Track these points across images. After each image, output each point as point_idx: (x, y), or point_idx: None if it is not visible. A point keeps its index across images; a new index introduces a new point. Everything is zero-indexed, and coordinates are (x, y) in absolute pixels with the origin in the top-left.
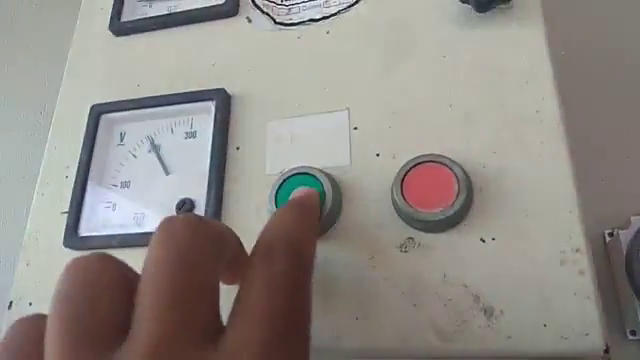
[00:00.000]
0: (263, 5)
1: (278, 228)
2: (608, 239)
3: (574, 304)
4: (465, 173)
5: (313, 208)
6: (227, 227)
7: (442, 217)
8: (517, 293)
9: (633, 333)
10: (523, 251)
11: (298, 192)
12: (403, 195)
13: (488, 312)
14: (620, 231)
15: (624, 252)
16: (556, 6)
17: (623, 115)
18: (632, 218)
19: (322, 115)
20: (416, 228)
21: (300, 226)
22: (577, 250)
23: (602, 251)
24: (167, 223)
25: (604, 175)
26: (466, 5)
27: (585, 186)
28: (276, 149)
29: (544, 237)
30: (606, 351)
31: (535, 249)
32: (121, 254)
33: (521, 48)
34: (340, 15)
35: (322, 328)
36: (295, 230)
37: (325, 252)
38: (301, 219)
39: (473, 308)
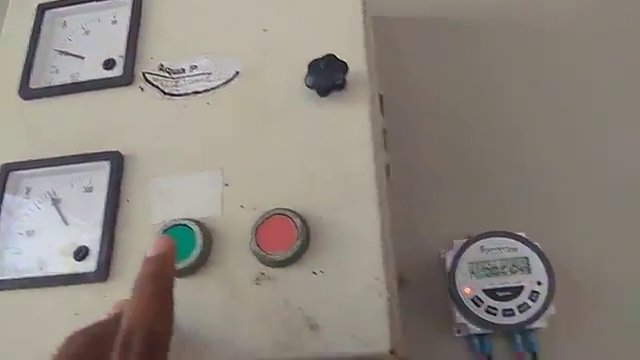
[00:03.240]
0: (153, 79)
1: (134, 314)
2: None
3: (373, 319)
4: (304, 223)
5: (166, 270)
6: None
7: (283, 258)
8: (335, 312)
9: (458, 332)
10: (342, 280)
11: (154, 248)
12: (256, 241)
13: (314, 328)
14: (443, 250)
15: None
16: None
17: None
18: (454, 241)
19: (200, 173)
20: (267, 265)
21: (154, 305)
22: (377, 278)
23: (439, 269)
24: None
25: (442, 203)
26: (310, 89)
27: (424, 212)
28: (160, 202)
29: (357, 269)
30: (391, 352)
31: (350, 278)
32: (26, 294)
33: (351, 124)
34: (219, 89)
35: (191, 350)
36: (150, 312)
37: (196, 287)
38: (155, 296)
39: (304, 325)
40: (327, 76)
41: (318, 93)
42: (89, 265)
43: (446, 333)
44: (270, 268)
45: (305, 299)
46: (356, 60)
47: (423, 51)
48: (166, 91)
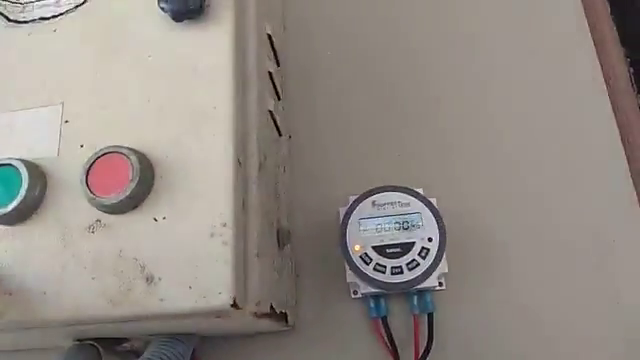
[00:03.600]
0: None
1: None
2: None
3: (215, 269)
4: (143, 162)
5: None
6: None
7: (115, 201)
8: (174, 262)
9: (355, 292)
10: (185, 227)
11: None
12: (87, 183)
13: (149, 279)
14: (340, 208)
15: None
16: None
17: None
18: (350, 197)
19: (39, 109)
20: (103, 211)
21: None
22: (224, 225)
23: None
24: None
25: (343, 159)
26: (165, 13)
27: (325, 168)
28: None
29: (202, 215)
30: (233, 305)
31: (194, 225)
32: None
33: (207, 52)
34: (68, 14)
35: (17, 305)
36: None
37: (25, 234)
38: None
39: (138, 277)
40: None
41: (172, 18)
42: None
43: (344, 295)
44: (107, 214)
45: (143, 249)
46: None
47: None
48: (11, 18)
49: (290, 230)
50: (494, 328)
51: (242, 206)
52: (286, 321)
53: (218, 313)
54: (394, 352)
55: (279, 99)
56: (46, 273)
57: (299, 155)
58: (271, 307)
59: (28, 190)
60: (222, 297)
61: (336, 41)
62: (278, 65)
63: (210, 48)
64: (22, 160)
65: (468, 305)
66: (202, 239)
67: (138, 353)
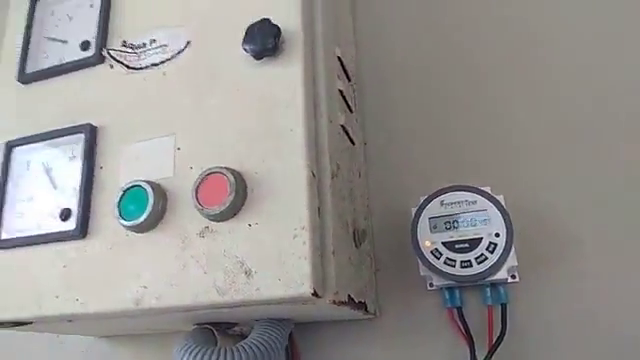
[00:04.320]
0: (118, 55)
1: None
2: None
3: (298, 264)
4: (237, 178)
5: None
6: None
7: (218, 211)
8: (266, 259)
9: (431, 285)
10: (272, 230)
11: None
12: (197, 197)
13: (248, 273)
14: (412, 208)
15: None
16: None
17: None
18: (421, 197)
19: (157, 139)
20: (210, 220)
21: None
22: (303, 228)
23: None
24: None
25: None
26: (247, 53)
27: (399, 171)
28: (126, 167)
29: (285, 220)
30: (314, 294)
31: (279, 228)
32: (25, 250)
33: (283, 84)
34: (173, 59)
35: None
36: None
37: (154, 240)
38: None
39: (239, 271)
40: (260, 40)
41: (253, 57)
42: (71, 224)
43: (421, 287)
44: (213, 222)
45: (242, 249)
46: (292, 23)
47: (399, 12)
48: (130, 66)
49: (366, 229)
50: (566, 319)
51: (317, 211)
52: (366, 309)
53: (302, 300)
54: (469, 340)
55: (351, 112)
56: (172, 270)
57: (374, 160)
58: (349, 297)
59: (154, 205)
60: (304, 287)
61: (405, 52)
62: (349, 80)
63: (286, 80)
64: (147, 181)
65: (541, 297)
66: (286, 240)
67: (245, 336)
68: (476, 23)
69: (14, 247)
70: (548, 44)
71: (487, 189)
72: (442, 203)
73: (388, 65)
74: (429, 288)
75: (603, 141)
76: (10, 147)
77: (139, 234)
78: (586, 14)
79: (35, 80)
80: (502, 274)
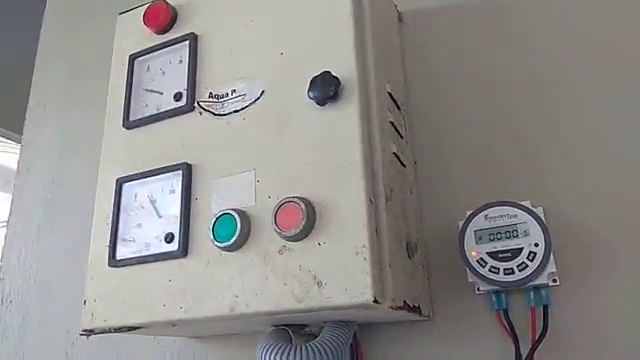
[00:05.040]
0: (206, 105)
1: None
2: None
3: (360, 276)
4: (307, 206)
5: None
6: None
7: (293, 234)
8: (334, 272)
9: (479, 290)
10: (338, 248)
11: None
12: (276, 222)
13: (319, 284)
14: (459, 222)
15: None
16: None
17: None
18: (466, 212)
19: (240, 174)
20: (286, 240)
21: None
22: (364, 246)
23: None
24: None
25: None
26: (312, 100)
27: (450, 190)
28: (216, 198)
29: (348, 240)
30: (375, 301)
31: (344, 247)
32: (136, 268)
33: (342, 124)
34: (251, 106)
35: (234, 301)
36: None
37: (242, 257)
38: None
39: (312, 283)
40: (322, 89)
41: (317, 103)
42: (174, 246)
43: (470, 292)
44: (289, 242)
45: (314, 264)
46: (348, 72)
47: (448, 45)
48: (215, 113)
49: (417, 242)
50: (603, 319)
51: (375, 231)
52: (420, 313)
53: (365, 307)
54: (514, 338)
55: (402, 137)
56: (257, 282)
57: (424, 178)
58: (405, 302)
59: (241, 229)
60: (366, 296)
61: (448, 76)
62: (399, 109)
63: (345, 122)
64: (234, 209)
65: (580, 298)
66: (350, 256)
67: (315, 335)
68: (510, 48)
69: (126, 266)
70: (580, 59)
71: (527, 203)
72: (486, 217)
73: (434, 89)
74: (477, 292)
75: (634, 153)
76: (120, 183)
77: (230, 253)
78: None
79: (137, 126)
80: (542, 279)
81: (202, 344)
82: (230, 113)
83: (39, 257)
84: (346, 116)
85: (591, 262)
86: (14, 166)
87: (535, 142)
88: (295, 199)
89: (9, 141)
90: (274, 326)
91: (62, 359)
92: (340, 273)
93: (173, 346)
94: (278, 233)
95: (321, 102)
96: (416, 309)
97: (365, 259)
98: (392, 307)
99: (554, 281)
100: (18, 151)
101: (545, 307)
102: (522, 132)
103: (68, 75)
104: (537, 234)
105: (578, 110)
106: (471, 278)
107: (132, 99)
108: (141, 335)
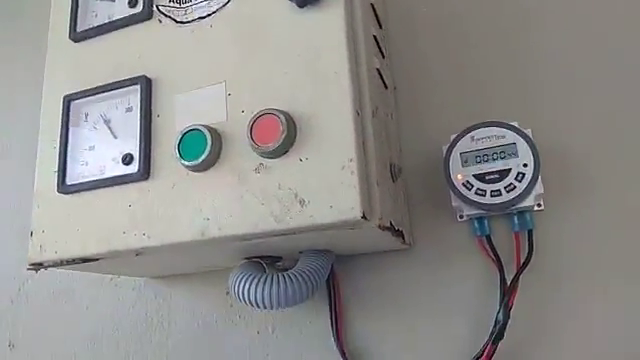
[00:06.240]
0: (167, 10)
1: None
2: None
3: (347, 192)
4: (287, 119)
5: None
6: None
7: (272, 149)
8: (318, 189)
9: (461, 216)
10: (322, 163)
11: None
12: (252, 136)
13: (301, 202)
14: (443, 146)
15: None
16: None
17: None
18: (451, 135)
19: (209, 87)
20: (263, 157)
21: None
22: (351, 160)
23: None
24: None
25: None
26: (291, 2)
27: (430, 111)
28: (181, 114)
29: (333, 154)
30: (363, 217)
31: (328, 161)
32: (90, 193)
33: (326, 30)
34: (218, 12)
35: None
36: None
37: (213, 177)
38: None
39: (293, 201)
40: None
41: (297, 5)
42: (134, 168)
43: (451, 219)
44: (266, 159)
45: (295, 181)
46: None
47: None
48: (177, 20)
49: (401, 167)
50: (587, 245)
51: (362, 146)
52: (403, 238)
53: (352, 224)
54: (498, 264)
55: (383, 57)
56: (231, 203)
57: (404, 104)
58: (391, 223)
59: (211, 146)
60: (354, 212)
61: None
62: (380, 27)
63: (328, 26)
64: (204, 125)
65: (564, 224)
66: (335, 171)
67: (288, 270)
68: None
69: (79, 192)
70: None
71: (515, 124)
72: (472, 139)
73: (415, 9)
74: (459, 220)
75: (630, 75)
76: (68, 101)
77: (198, 173)
78: None
79: (86, 38)
80: (529, 201)
81: (164, 284)
82: (195, 20)
83: None
84: (330, 20)
85: (576, 187)
86: None
87: (524, 61)
88: (273, 111)
89: None
90: (246, 259)
91: (7, 306)
92: (324, 190)
93: (132, 286)
94: (255, 149)
95: (301, 4)
96: (400, 233)
97: (352, 173)
98: (379, 226)
99: (539, 205)
100: None
101: (530, 231)
102: (508, 51)
103: None
104: (526, 154)
105: (570, 29)
106: (455, 202)
107: (79, 8)
108: (96, 275)
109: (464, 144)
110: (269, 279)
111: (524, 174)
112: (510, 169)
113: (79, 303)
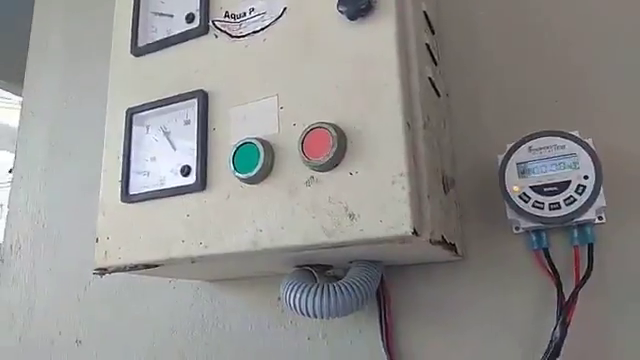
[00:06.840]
0: (222, 25)
1: None
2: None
3: (397, 207)
4: (338, 132)
5: None
6: None
7: (322, 162)
8: (368, 203)
9: (517, 228)
10: (372, 177)
11: None
12: (303, 150)
13: (352, 216)
14: (498, 155)
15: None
16: None
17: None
18: (507, 145)
19: (262, 100)
20: (314, 170)
21: None
22: (401, 174)
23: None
24: None
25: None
26: (342, 15)
27: (485, 120)
28: (236, 126)
29: (384, 168)
30: (414, 232)
31: (379, 176)
32: (151, 203)
33: (377, 42)
34: (272, 26)
35: (258, 236)
36: None
37: (265, 189)
38: None
39: (343, 215)
40: (353, 1)
41: (348, 17)
42: (191, 179)
43: (506, 231)
44: (317, 172)
45: (345, 195)
46: None
47: None
48: (232, 34)
49: (454, 178)
50: None
51: (413, 159)
52: (456, 251)
53: (402, 239)
54: (556, 279)
55: (436, 64)
56: (281, 214)
57: (458, 111)
58: (442, 237)
59: (264, 159)
60: (404, 227)
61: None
62: (433, 33)
63: (379, 38)
64: (257, 138)
65: (627, 238)
66: (386, 186)
67: (338, 278)
68: None
69: (140, 201)
70: None
71: (575, 133)
72: (530, 149)
73: (470, 15)
74: (515, 232)
75: None
76: (131, 114)
77: (251, 185)
78: None
79: (147, 52)
80: (590, 214)
81: (219, 288)
82: (249, 34)
83: (46, 201)
84: (381, 32)
85: (638, 199)
86: None
87: (582, 69)
88: (324, 125)
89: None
90: (297, 267)
91: (74, 304)
92: (374, 204)
93: (189, 289)
94: (306, 162)
95: (352, 16)
96: (452, 246)
97: (403, 188)
98: (430, 241)
99: (600, 218)
100: None
101: (590, 245)
102: (567, 58)
103: (67, 9)
104: (587, 166)
105: (632, 35)
106: (510, 215)
107: (140, 24)
108: (156, 277)
109: (521, 154)
110: (320, 289)
111: (585, 187)
112: (570, 181)
113: (140, 303)
